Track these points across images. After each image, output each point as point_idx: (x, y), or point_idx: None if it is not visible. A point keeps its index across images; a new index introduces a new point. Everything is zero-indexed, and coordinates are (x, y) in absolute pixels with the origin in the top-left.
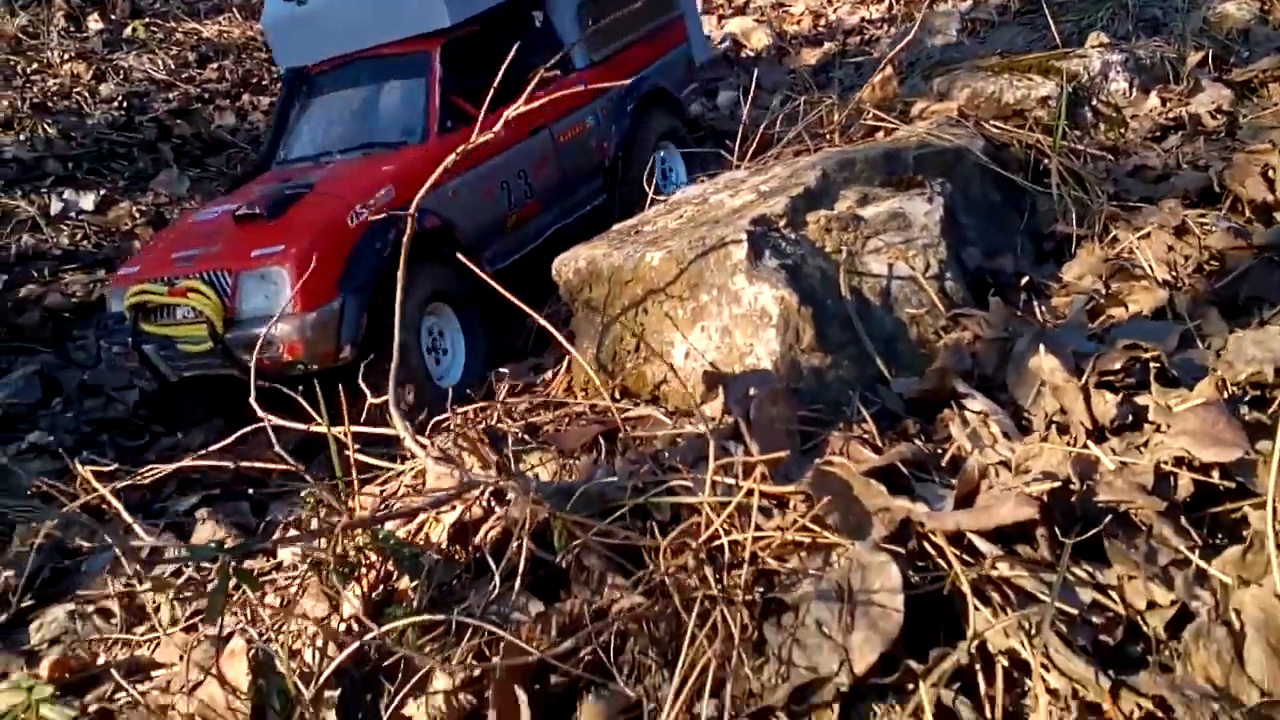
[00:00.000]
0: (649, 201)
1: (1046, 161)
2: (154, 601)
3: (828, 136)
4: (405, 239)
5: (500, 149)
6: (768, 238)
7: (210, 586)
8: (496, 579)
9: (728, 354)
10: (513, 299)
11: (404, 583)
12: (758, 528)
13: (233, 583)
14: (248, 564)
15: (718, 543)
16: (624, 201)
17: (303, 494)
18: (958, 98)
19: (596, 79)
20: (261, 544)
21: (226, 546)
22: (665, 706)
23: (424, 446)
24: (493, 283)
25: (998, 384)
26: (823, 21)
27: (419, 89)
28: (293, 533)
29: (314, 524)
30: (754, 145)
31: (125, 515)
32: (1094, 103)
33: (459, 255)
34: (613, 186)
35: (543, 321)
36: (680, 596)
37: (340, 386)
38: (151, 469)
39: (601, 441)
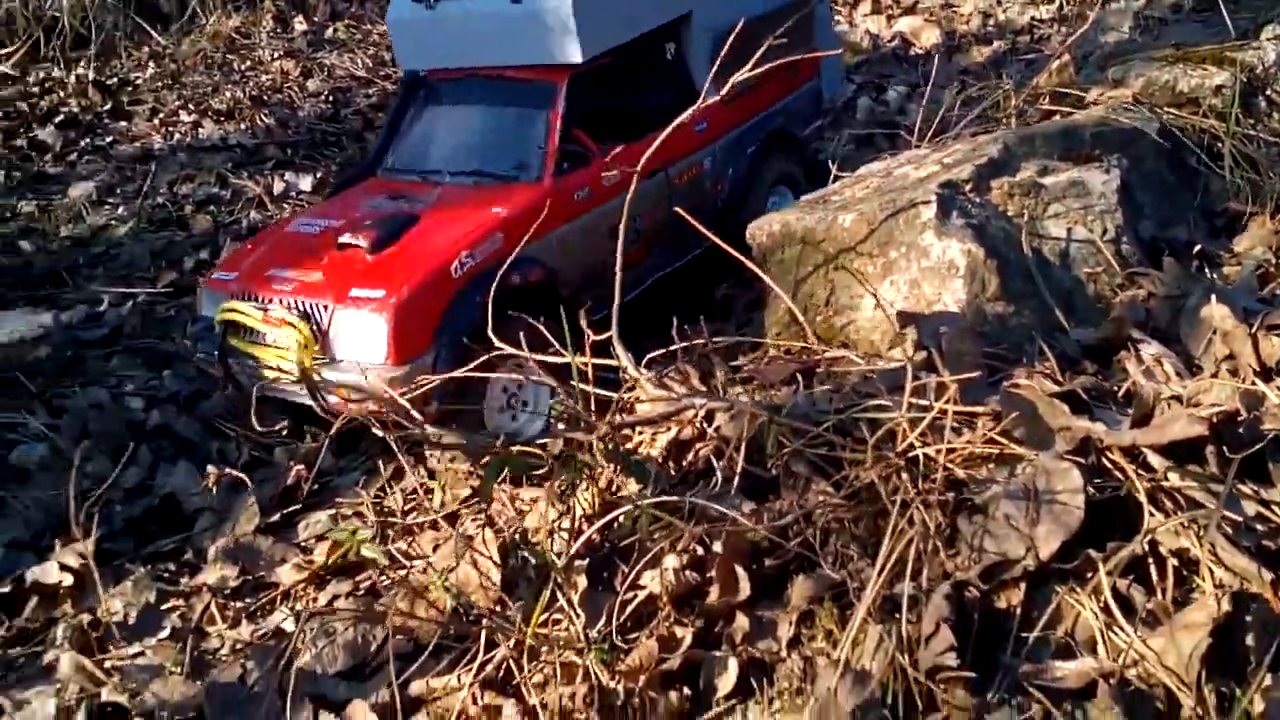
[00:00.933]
0: (832, 177)
1: (1219, 145)
2: (431, 485)
3: (1003, 121)
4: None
5: (614, 194)
6: (955, 200)
7: (485, 469)
8: (718, 476)
9: (915, 304)
10: (730, 250)
11: (628, 489)
12: (949, 443)
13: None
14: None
15: (913, 454)
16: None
17: (553, 402)
18: (1132, 85)
19: (722, 117)
20: (527, 438)
21: (501, 441)
22: (869, 585)
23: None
24: (712, 236)
25: (1171, 337)
26: (992, 21)
27: (540, 123)
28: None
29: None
30: (933, 128)
31: (414, 414)
32: (1268, 92)
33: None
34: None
35: (753, 265)
36: (881, 500)
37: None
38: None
39: (800, 378)
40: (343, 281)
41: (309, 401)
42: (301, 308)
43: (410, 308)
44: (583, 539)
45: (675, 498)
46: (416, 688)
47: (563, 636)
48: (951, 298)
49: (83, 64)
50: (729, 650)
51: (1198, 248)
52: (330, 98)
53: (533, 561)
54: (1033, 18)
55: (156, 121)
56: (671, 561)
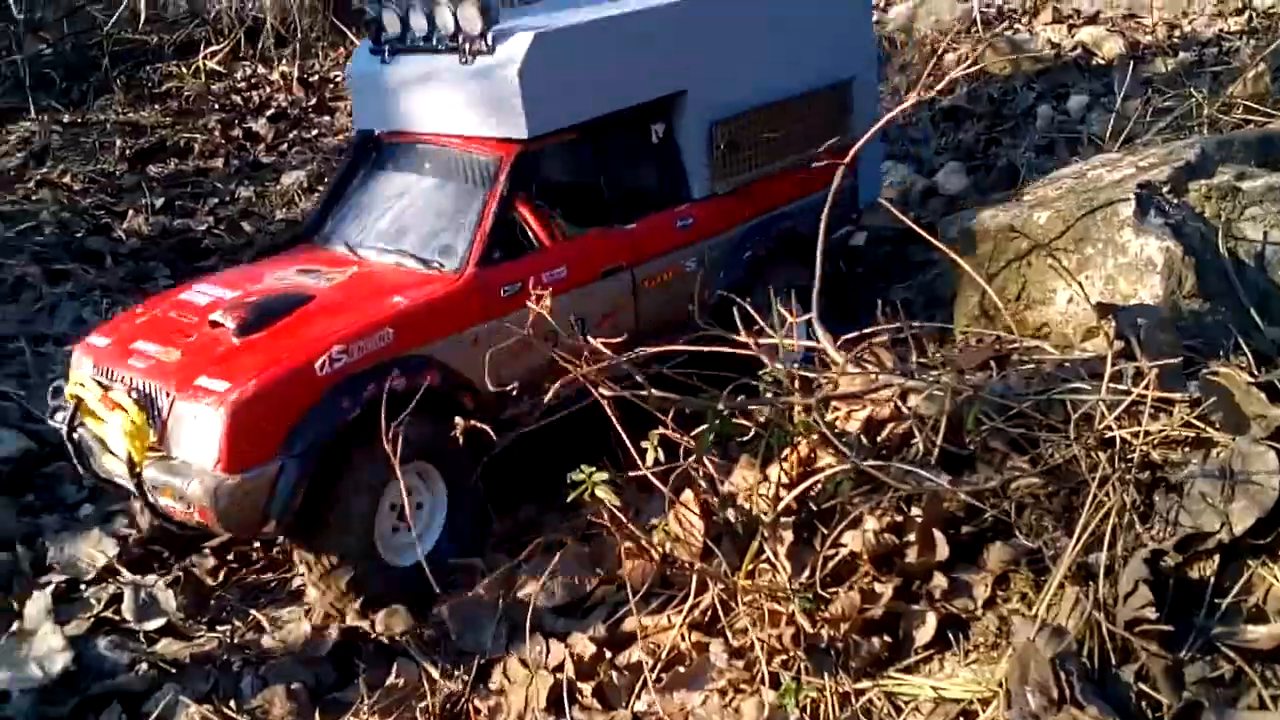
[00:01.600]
0: (1020, 180)
1: None
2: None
3: (1196, 129)
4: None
5: (558, 292)
6: (1152, 199)
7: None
8: (920, 445)
9: (1111, 298)
10: (922, 231)
11: (824, 461)
12: (1146, 426)
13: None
14: None
15: (1110, 435)
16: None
17: (761, 374)
18: None
19: (714, 214)
20: (738, 404)
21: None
22: (1066, 552)
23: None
24: (908, 221)
25: None
26: (1177, 32)
27: (473, 203)
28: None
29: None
30: (1124, 135)
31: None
32: None
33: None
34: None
35: (942, 247)
36: (1076, 478)
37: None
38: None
39: (993, 364)
40: (194, 366)
41: (136, 496)
42: (144, 390)
43: (254, 407)
44: (794, 494)
45: (878, 463)
46: (629, 625)
47: (768, 586)
48: (1148, 293)
49: (284, 62)
50: (927, 605)
51: None
52: None
53: (737, 519)
54: (1220, 30)
55: None
56: (871, 524)
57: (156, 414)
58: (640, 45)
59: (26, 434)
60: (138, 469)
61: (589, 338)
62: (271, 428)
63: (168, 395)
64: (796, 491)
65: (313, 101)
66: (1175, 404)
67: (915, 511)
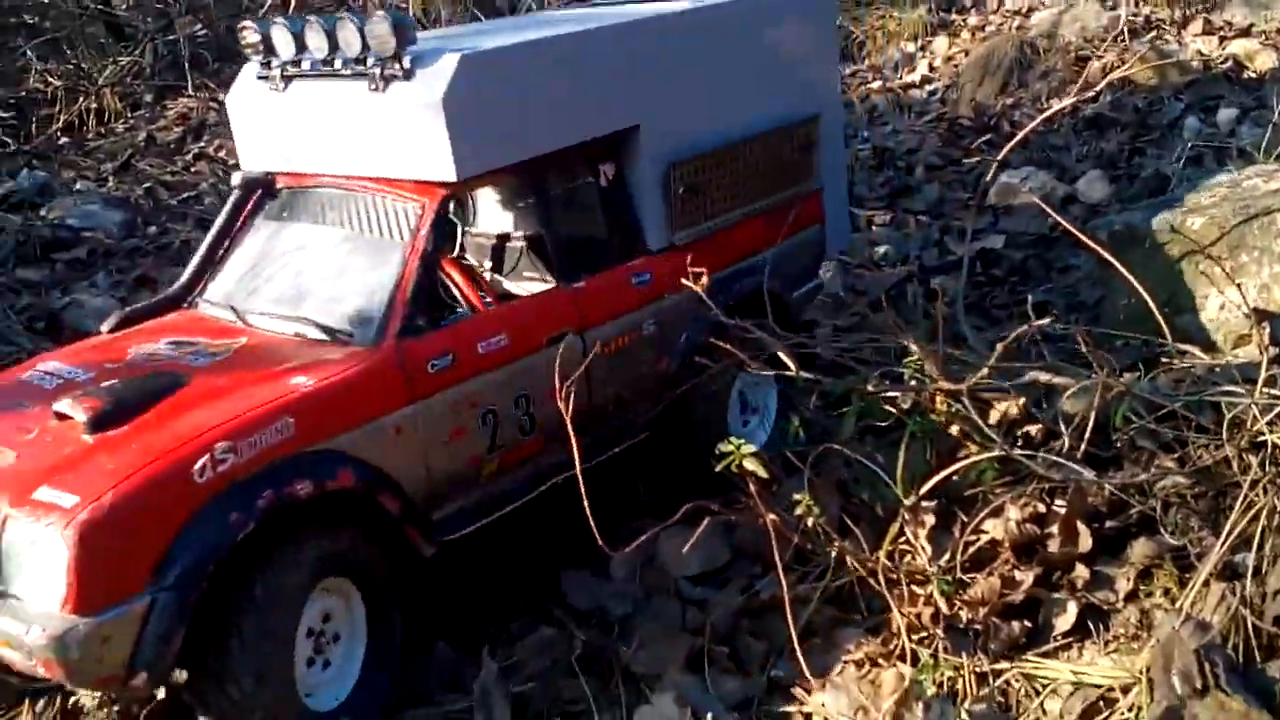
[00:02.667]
0: (1170, 187)
1: None
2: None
3: None
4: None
5: (494, 365)
6: None
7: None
8: (1065, 440)
9: (1266, 306)
10: (1077, 232)
11: (968, 449)
12: None
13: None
14: None
15: (1262, 439)
16: (682, 443)
17: (905, 361)
18: None
19: (672, 267)
20: (883, 390)
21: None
22: (1213, 551)
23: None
24: (1063, 222)
25: None
26: None
27: (389, 259)
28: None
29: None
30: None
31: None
32: None
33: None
34: (662, 422)
35: (1096, 246)
36: (1223, 480)
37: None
38: None
39: (1141, 366)
40: (32, 474)
41: None
42: None
43: (112, 527)
44: (936, 479)
45: (1026, 453)
46: (765, 595)
47: (908, 567)
48: None
49: None
50: (1068, 595)
51: None
52: None
53: (874, 500)
54: None
55: None
56: (1014, 513)
57: None
58: (586, 72)
59: None
60: None
61: None
62: (137, 552)
63: (3, 511)
64: (939, 477)
65: None
66: None
67: (1058, 504)
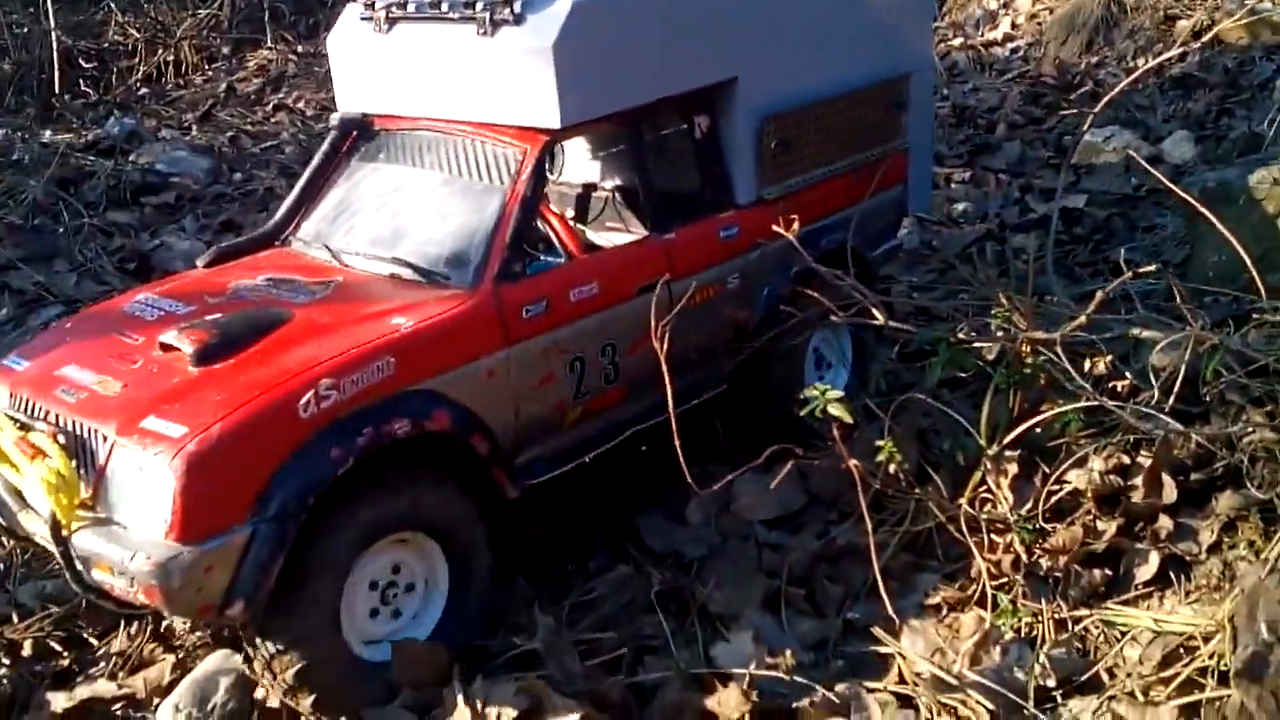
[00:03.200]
0: (1266, 146)
1: None
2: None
3: None
4: None
5: (586, 312)
6: None
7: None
8: (1155, 392)
9: None
10: (1166, 182)
11: (1053, 401)
12: None
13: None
14: None
15: None
16: (753, 391)
17: (994, 311)
18: None
19: (759, 221)
20: (971, 339)
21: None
22: None
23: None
24: (1156, 174)
25: None
26: None
27: (489, 205)
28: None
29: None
30: None
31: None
32: None
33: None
34: (740, 375)
35: (1188, 196)
36: None
37: None
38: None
39: (1231, 322)
40: (140, 403)
41: (59, 561)
42: (74, 432)
43: (219, 458)
44: (1022, 429)
45: (1112, 404)
46: (842, 541)
47: (989, 514)
48: None
49: None
50: (1150, 545)
51: None
52: None
53: (954, 448)
54: None
55: None
56: (1098, 464)
57: (90, 462)
58: (691, 23)
59: None
60: (64, 533)
61: None
62: (241, 484)
63: (105, 440)
64: (1025, 426)
65: None
66: None
67: (1143, 456)
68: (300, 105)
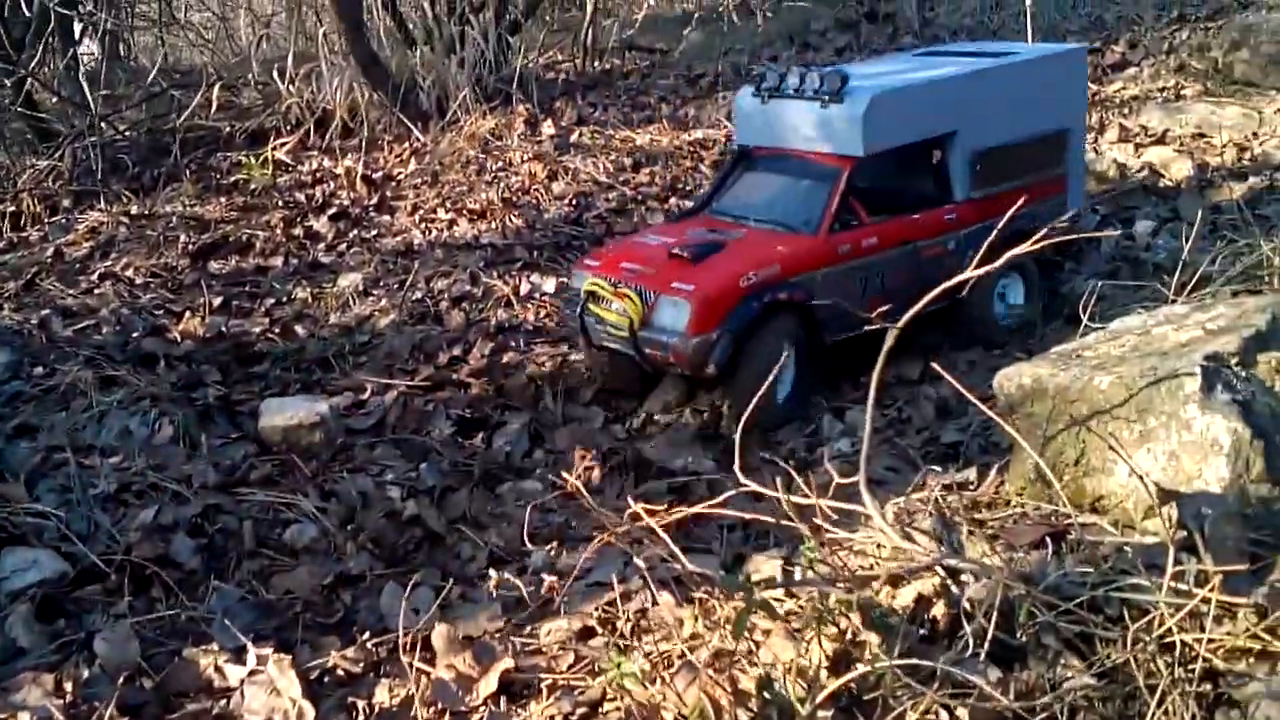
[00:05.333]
0: (1081, 329)
1: None
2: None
3: (1268, 279)
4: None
5: (870, 253)
6: (1220, 373)
7: (738, 611)
8: (969, 640)
9: (1174, 475)
10: (968, 394)
11: (867, 639)
12: (1209, 633)
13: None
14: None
15: (1169, 640)
16: (960, 311)
17: (803, 548)
18: None
19: (970, 212)
20: (780, 584)
21: (753, 580)
22: None
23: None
24: (956, 383)
25: None
26: (1248, 155)
27: (824, 194)
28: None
29: (809, 574)
30: (1192, 284)
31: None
32: None
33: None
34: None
35: (992, 414)
36: (1133, 682)
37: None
38: (685, 510)
39: (1049, 541)
40: (669, 276)
41: (631, 352)
42: (639, 290)
43: (708, 301)
44: (828, 691)
45: (921, 661)
46: None
47: None
48: (1213, 475)
49: (350, 157)
50: None
51: None
52: (574, 201)
53: (774, 700)
54: None
55: (416, 218)
56: None
57: (648, 301)
58: (933, 102)
59: (64, 556)
60: (635, 332)
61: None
62: (715, 313)
63: (655, 292)
64: (834, 687)
65: (374, 200)
66: (1240, 609)
67: (961, 709)
68: (129, 273)
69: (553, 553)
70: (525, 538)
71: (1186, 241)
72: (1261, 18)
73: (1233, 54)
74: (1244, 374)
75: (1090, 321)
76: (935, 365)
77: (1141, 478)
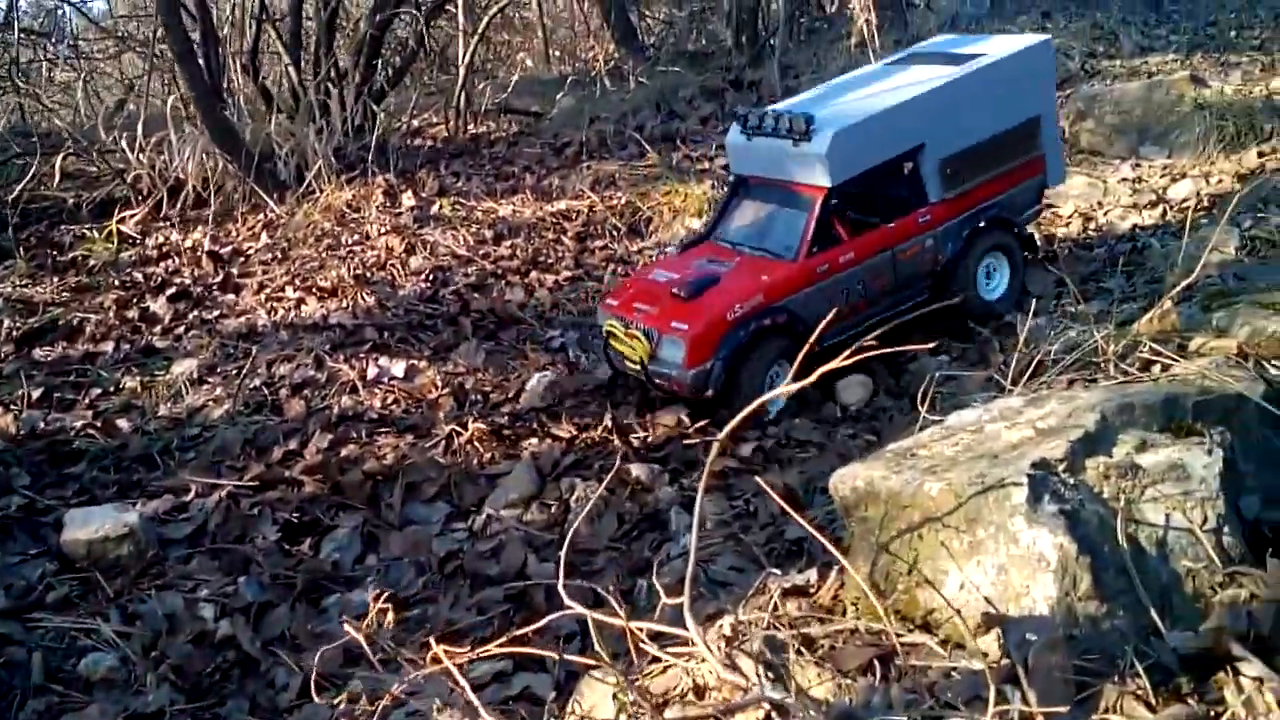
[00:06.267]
0: (920, 424)
1: None
2: None
3: (1103, 365)
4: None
5: (847, 268)
6: (1047, 482)
7: None
8: None
9: (1003, 591)
10: (782, 503)
11: None
12: None
13: None
14: None
15: None
16: (945, 297)
17: (616, 692)
18: (1237, 335)
19: (944, 211)
20: None
21: None
22: None
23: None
24: (795, 516)
25: (1276, 646)
26: (1093, 225)
27: (801, 220)
28: None
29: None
30: (1028, 373)
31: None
32: None
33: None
34: (935, 286)
35: (813, 531)
36: None
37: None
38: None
39: (876, 665)
40: (669, 316)
41: (643, 378)
42: (645, 327)
43: (700, 337)
44: None
45: None
46: None
47: None
48: (1040, 592)
49: (200, 230)
50: None
51: None
52: (431, 276)
53: None
54: (1135, 225)
55: (263, 296)
56: None
57: (653, 340)
58: (898, 125)
59: None
60: (645, 366)
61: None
62: (709, 346)
63: (659, 332)
64: None
65: (219, 278)
66: None
67: None
68: None
69: (369, 680)
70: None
71: (1028, 319)
72: (1105, 88)
73: (1079, 124)
74: (1072, 481)
75: (929, 413)
76: (761, 480)
77: (956, 611)
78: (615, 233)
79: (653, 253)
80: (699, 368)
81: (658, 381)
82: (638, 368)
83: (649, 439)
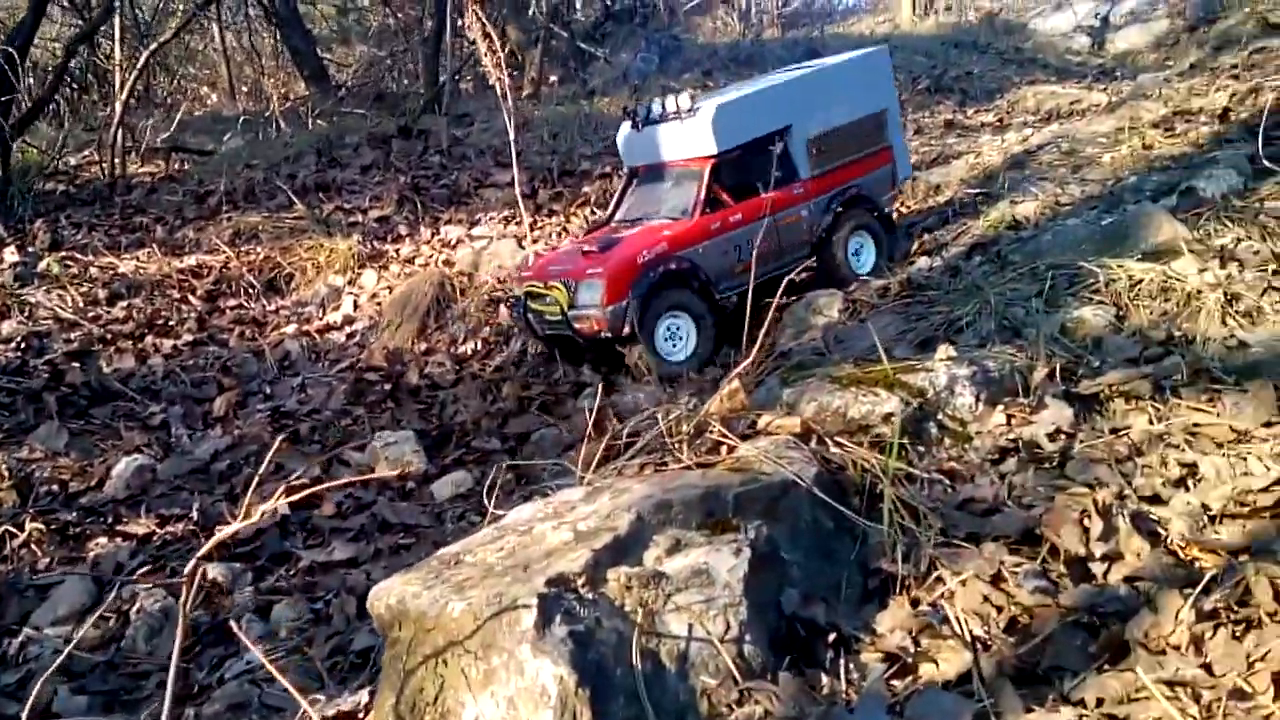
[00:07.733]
0: (487, 519)
1: (882, 486)
2: None
3: (674, 448)
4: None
5: (737, 227)
6: (560, 602)
7: None
8: None
9: None
10: (293, 690)
11: None
12: None
13: None
14: None
15: None
16: (823, 264)
17: None
18: (804, 412)
19: (814, 187)
20: None
21: None
22: None
23: None
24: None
25: None
26: None
27: (693, 188)
28: None
29: None
30: (599, 454)
31: None
32: (939, 417)
33: (699, 286)
34: (816, 253)
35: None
36: None
37: None
38: None
39: None
40: (583, 267)
41: (567, 331)
42: (562, 282)
43: (615, 276)
44: None
45: None
46: None
47: None
48: None
49: None
50: None
51: (832, 636)
52: (22, 344)
53: None
54: None
55: None
56: None
57: (571, 289)
58: (771, 105)
59: None
60: (566, 314)
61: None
62: (622, 286)
63: (575, 280)
64: None
65: None
66: None
67: None
68: None
69: None
70: None
71: (630, 390)
72: None
73: None
74: (590, 596)
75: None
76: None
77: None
78: (250, 291)
79: (289, 312)
80: (616, 304)
81: (578, 326)
82: (558, 317)
83: (239, 533)
